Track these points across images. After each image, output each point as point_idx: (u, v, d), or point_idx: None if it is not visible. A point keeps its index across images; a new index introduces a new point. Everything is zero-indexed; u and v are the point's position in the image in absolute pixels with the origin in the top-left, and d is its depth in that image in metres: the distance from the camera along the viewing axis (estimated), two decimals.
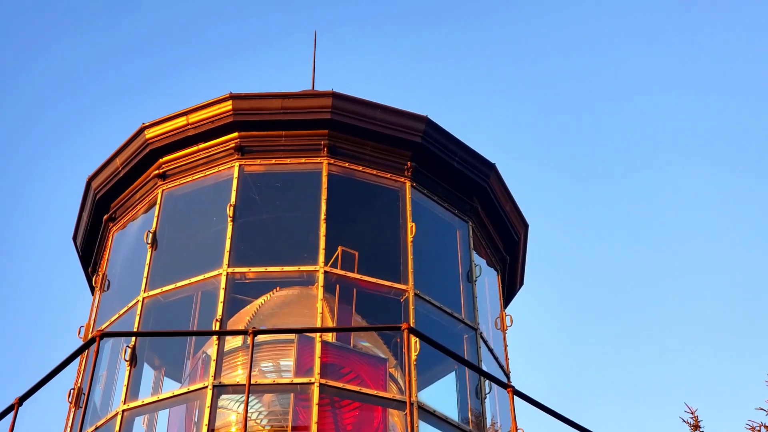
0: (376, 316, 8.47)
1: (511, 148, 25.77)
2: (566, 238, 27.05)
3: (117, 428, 7.29)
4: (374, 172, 8.74)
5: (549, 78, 27.51)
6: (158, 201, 8.71)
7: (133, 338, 7.81)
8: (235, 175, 8.52)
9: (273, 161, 8.72)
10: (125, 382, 7.58)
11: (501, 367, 8.73)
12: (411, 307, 7.96)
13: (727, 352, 25.72)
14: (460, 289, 8.74)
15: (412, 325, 7.57)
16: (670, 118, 27.52)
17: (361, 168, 8.71)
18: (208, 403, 7.08)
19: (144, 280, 8.16)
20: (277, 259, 8.35)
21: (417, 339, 7.34)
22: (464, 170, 9.10)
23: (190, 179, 8.79)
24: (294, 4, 25.90)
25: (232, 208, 8.27)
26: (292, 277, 8.22)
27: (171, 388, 8.20)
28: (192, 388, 7.44)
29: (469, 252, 8.94)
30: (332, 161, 8.62)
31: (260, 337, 7.79)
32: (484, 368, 8.24)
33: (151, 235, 8.41)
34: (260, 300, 8.50)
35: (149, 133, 8.87)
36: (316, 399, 7.11)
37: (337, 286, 8.07)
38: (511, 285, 9.95)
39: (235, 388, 7.44)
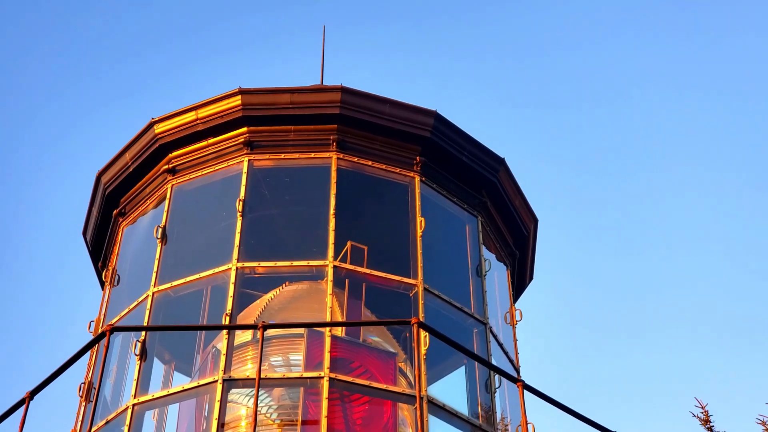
0: (385, 311, 8.47)
1: (521, 144, 25.74)
2: (576, 233, 27.01)
3: (127, 422, 7.31)
4: (383, 166, 8.73)
5: (558, 73, 27.45)
6: (168, 196, 8.72)
7: (143, 333, 7.83)
8: (245, 170, 8.53)
9: (282, 156, 8.73)
10: (135, 377, 7.60)
11: (511, 361, 8.73)
12: (420, 302, 7.96)
13: (737, 347, 25.66)
14: (470, 284, 8.73)
15: (421, 320, 7.57)
16: (681, 114, 27.45)
17: (370, 163, 8.71)
18: (218, 397, 7.10)
19: (154, 274, 8.17)
20: (286, 253, 8.35)
21: (426, 333, 7.33)
22: (473, 165, 9.09)
23: (199, 174, 8.80)
24: None
25: (241, 202, 8.27)
26: (302, 272, 8.22)
27: (181, 382, 8.21)
28: (202, 382, 7.45)
29: (478, 247, 8.93)
30: (341, 156, 8.62)
31: (270, 332, 7.80)
32: (494, 363, 8.23)
33: (160, 230, 8.43)
34: (269, 295, 8.50)
35: (159, 128, 8.89)
36: (325, 393, 7.12)
37: (347, 280, 8.08)
38: (520, 280, 9.94)
39: (245, 382, 7.45)
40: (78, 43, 26.46)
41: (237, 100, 8.70)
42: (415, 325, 7.23)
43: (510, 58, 27.61)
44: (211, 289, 8.25)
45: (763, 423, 13.76)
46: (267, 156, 8.72)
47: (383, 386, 7.51)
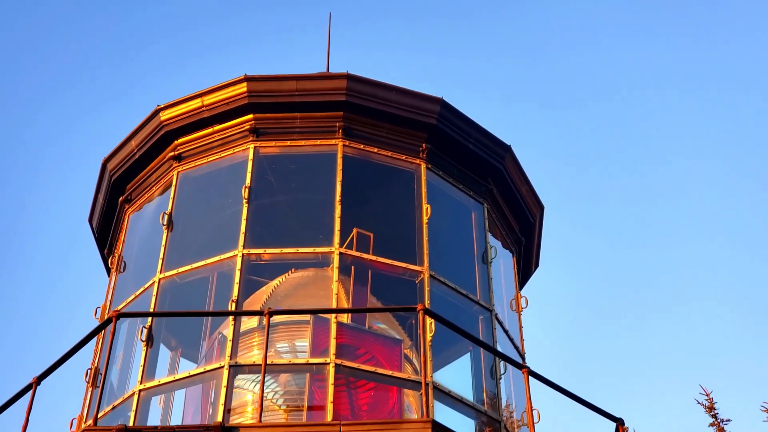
0: (391, 298, 8.47)
1: (526, 132, 25.70)
2: (581, 220, 26.99)
3: (134, 408, 7.33)
4: (389, 153, 8.73)
5: (564, 64, 27.39)
6: (174, 183, 8.72)
7: (150, 319, 7.84)
8: (250, 156, 8.52)
9: (288, 143, 8.72)
10: (142, 363, 7.62)
11: (516, 348, 8.73)
12: (426, 289, 7.96)
13: (742, 334, 25.64)
14: (476, 271, 8.73)
15: (427, 306, 7.58)
16: (685, 104, 27.38)
17: (376, 150, 8.70)
18: (224, 382, 7.12)
19: (160, 261, 8.18)
20: (292, 240, 8.36)
21: (432, 320, 7.34)
22: (479, 152, 9.07)
23: (205, 161, 8.80)
24: None
25: (247, 189, 8.27)
26: (308, 259, 8.22)
27: (187, 368, 8.23)
28: (208, 368, 7.47)
29: (484, 234, 8.93)
30: (347, 143, 8.62)
31: (276, 318, 7.81)
32: (499, 349, 8.23)
33: (166, 216, 8.43)
34: (275, 281, 8.51)
35: (164, 115, 8.88)
36: (331, 379, 7.13)
37: (353, 267, 8.08)
38: (526, 267, 9.93)
39: (251, 368, 7.47)
40: (87, 34, 26.45)
41: (243, 87, 8.69)
42: (421, 312, 7.24)
43: (516, 51, 27.54)
44: (217, 276, 8.26)
45: (767, 410, 13.76)
46: (273, 143, 8.72)
47: (389, 372, 7.53)
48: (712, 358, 25.21)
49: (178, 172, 8.79)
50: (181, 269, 8.14)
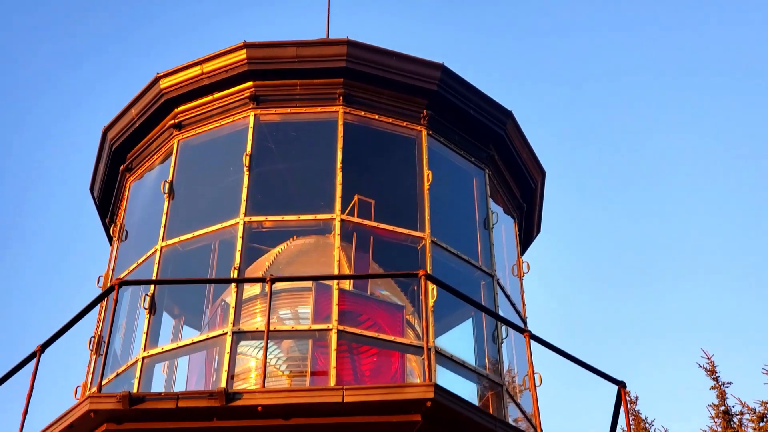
0: (393, 264, 8.48)
1: (527, 98, 25.61)
2: (583, 186, 26.96)
3: (137, 375, 7.37)
4: (390, 120, 8.70)
5: (565, 27, 27.24)
6: (174, 151, 8.71)
7: (152, 286, 7.86)
8: (251, 124, 8.50)
9: (288, 110, 8.69)
10: (145, 330, 7.65)
11: (518, 313, 8.75)
12: (428, 255, 7.96)
13: (743, 297, 25.70)
14: (477, 237, 8.73)
15: (429, 272, 7.59)
16: (687, 69, 27.25)
17: (376, 116, 8.67)
18: (227, 349, 7.14)
19: (161, 229, 8.19)
20: (293, 208, 8.36)
21: (434, 286, 7.35)
22: (480, 118, 9.04)
23: (205, 129, 8.77)
24: None
25: (248, 157, 8.26)
26: (309, 226, 8.23)
27: (190, 336, 8.26)
28: (211, 334, 7.50)
29: (485, 199, 8.92)
30: (348, 110, 8.59)
31: (278, 285, 7.83)
32: (501, 314, 8.25)
33: (167, 185, 8.43)
34: (277, 249, 8.52)
35: (164, 83, 8.85)
36: (334, 345, 7.16)
37: (354, 234, 8.08)
38: (528, 232, 9.93)
39: (254, 335, 7.50)
40: (85, 4, 26.30)
41: (242, 54, 8.64)
42: (423, 278, 7.26)
43: (518, 19, 27.37)
44: (219, 244, 8.27)
45: None
46: (273, 110, 8.69)
47: (391, 338, 7.55)
48: (714, 321, 25.30)
49: (178, 141, 8.77)
50: (182, 237, 8.14)
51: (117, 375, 7.66)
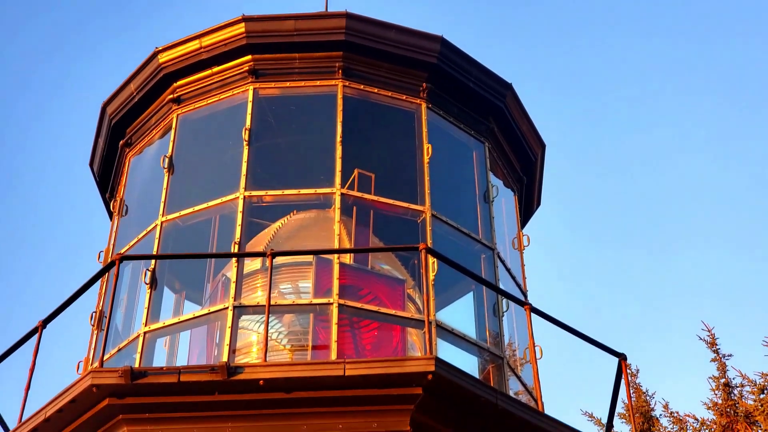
0: (393, 238, 8.49)
1: (527, 69, 25.52)
2: (582, 158, 26.93)
3: (139, 350, 7.39)
4: (389, 93, 8.67)
5: (566, 1, 27.09)
6: (173, 125, 8.69)
7: (153, 261, 7.87)
8: (250, 98, 8.48)
9: (287, 84, 8.67)
10: (146, 305, 7.66)
11: (518, 286, 8.77)
12: (428, 228, 7.97)
13: (744, 270, 25.74)
14: (477, 210, 8.73)
15: (429, 246, 7.59)
16: (688, 43, 27.14)
17: (376, 90, 8.65)
18: (229, 323, 7.16)
19: (162, 204, 8.19)
20: (293, 182, 8.34)
21: (435, 259, 7.36)
22: (480, 90, 9.01)
23: (204, 103, 8.75)
24: None
25: (247, 131, 8.24)
26: (309, 200, 8.23)
27: (192, 310, 8.28)
28: (213, 309, 7.52)
29: (485, 173, 8.91)
30: (347, 83, 8.56)
31: (279, 260, 7.83)
32: (502, 287, 8.27)
33: (167, 159, 8.42)
34: (277, 223, 8.52)
35: (162, 58, 8.81)
36: (335, 319, 7.18)
37: (354, 208, 8.08)
38: (528, 205, 9.93)
39: (255, 309, 7.51)
40: None
41: (240, 28, 8.61)
42: (423, 251, 7.26)
43: None
44: (219, 218, 8.27)
45: None
46: (272, 84, 8.67)
47: (392, 312, 7.57)
48: (714, 294, 25.35)
49: (177, 115, 8.75)
50: (183, 212, 8.14)
51: (119, 350, 7.68)
